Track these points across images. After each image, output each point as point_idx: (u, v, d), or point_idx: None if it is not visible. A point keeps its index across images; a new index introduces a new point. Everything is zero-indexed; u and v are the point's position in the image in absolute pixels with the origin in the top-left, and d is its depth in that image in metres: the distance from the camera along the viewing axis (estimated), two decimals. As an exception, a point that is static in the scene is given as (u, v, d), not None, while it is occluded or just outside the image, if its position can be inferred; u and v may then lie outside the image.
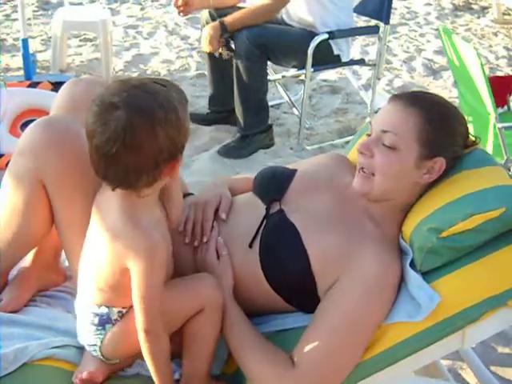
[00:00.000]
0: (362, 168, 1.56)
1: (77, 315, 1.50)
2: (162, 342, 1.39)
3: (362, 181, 1.56)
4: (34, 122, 1.59)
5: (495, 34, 6.10)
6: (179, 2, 3.73)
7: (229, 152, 3.75)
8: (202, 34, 3.68)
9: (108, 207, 1.40)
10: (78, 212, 1.54)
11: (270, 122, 3.86)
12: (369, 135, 1.58)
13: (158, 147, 1.30)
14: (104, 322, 1.44)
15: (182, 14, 3.81)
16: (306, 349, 1.44)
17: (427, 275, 1.49)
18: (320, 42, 3.60)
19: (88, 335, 1.46)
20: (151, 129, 1.28)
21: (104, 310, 1.43)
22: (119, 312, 1.43)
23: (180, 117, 1.32)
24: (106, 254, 1.38)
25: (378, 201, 1.57)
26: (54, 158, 1.54)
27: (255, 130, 3.75)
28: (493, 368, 2.26)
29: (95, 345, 1.46)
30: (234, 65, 3.64)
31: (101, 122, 1.28)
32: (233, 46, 3.63)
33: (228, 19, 3.59)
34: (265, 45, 3.58)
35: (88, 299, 1.45)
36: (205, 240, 1.59)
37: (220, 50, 3.63)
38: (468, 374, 2.22)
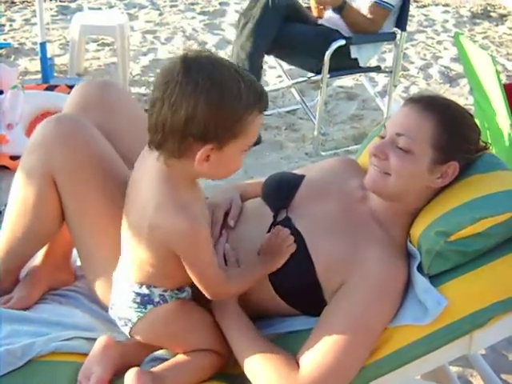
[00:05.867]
0: (376, 166, 1.55)
1: (114, 286, 1.50)
2: (232, 289, 1.47)
3: (375, 178, 1.55)
4: (46, 119, 1.62)
5: (513, 42, 6.07)
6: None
7: None
8: None
9: (147, 178, 1.37)
10: (90, 206, 1.56)
11: (285, 127, 3.86)
12: (382, 137, 1.58)
13: (192, 113, 1.22)
14: (146, 302, 1.44)
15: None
16: (311, 351, 1.44)
17: (435, 279, 1.48)
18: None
19: (127, 310, 1.46)
20: (197, 94, 1.22)
21: (145, 290, 1.43)
22: (161, 295, 1.44)
23: (233, 106, 1.24)
24: (146, 242, 1.37)
25: (389, 200, 1.56)
26: (63, 152, 1.57)
27: None
28: (503, 376, 2.24)
29: (130, 320, 1.46)
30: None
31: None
32: None
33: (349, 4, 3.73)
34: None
35: (129, 276, 1.45)
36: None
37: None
38: (478, 382, 2.20)
